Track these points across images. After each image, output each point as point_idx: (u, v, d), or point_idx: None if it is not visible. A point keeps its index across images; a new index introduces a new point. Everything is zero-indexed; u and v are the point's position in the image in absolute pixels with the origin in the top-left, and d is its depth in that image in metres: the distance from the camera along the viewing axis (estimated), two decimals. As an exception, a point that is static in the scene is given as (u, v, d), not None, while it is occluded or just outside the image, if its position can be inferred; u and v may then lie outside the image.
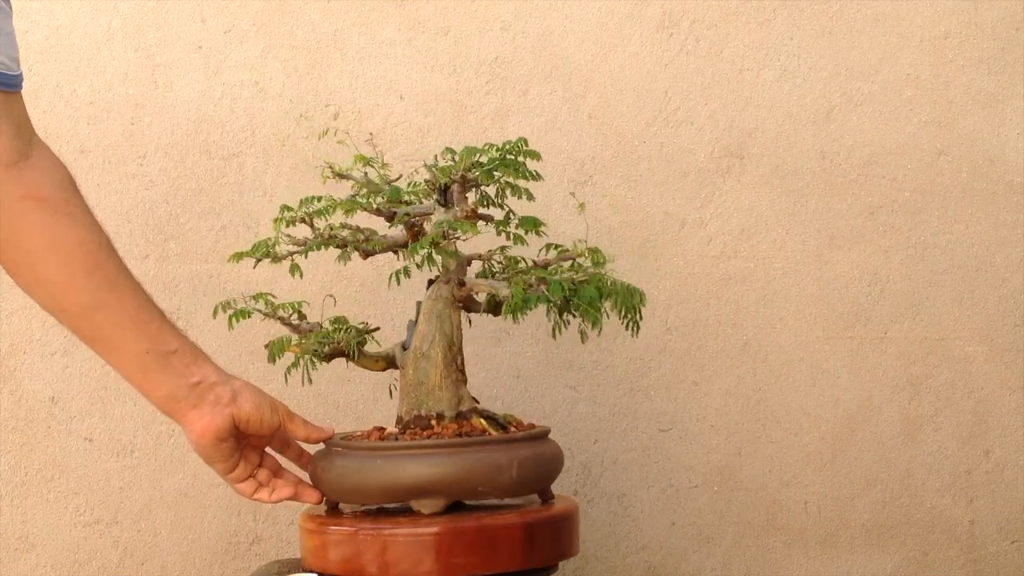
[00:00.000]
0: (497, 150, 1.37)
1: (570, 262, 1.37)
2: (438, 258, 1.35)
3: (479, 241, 1.39)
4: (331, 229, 1.39)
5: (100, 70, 1.67)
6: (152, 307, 1.28)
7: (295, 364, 1.36)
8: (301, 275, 1.38)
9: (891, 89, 1.81)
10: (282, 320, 1.39)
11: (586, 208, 1.74)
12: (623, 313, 1.33)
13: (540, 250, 1.40)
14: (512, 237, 1.36)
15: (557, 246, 1.40)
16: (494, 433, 1.32)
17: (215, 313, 1.37)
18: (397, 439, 1.31)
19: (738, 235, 1.78)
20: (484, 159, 1.36)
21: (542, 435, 1.35)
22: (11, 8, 1.21)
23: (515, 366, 1.73)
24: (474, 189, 1.38)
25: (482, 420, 1.34)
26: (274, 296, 1.39)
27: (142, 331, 1.26)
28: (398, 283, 1.34)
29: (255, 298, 1.38)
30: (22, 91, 1.22)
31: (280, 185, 1.70)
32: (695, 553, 1.77)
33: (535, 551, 1.27)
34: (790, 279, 1.79)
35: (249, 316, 1.37)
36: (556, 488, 1.72)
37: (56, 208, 1.23)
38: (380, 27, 1.72)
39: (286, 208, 1.39)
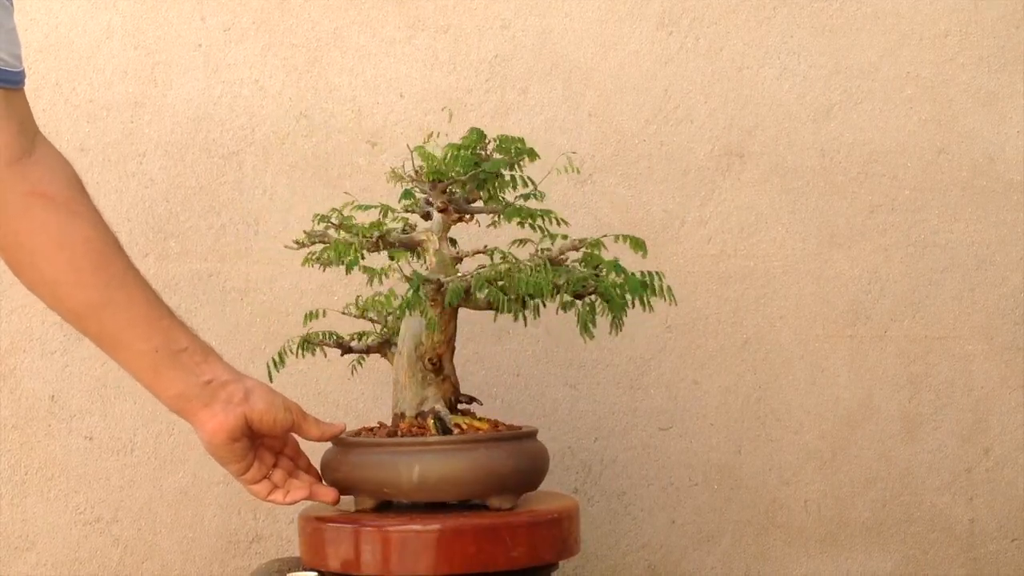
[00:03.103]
0: (496, 147, 1.37)
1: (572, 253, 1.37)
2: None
3: (469, 238, 1.40)
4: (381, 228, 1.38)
5: (100, 68, 1.67)
6: (161, 305, 1.26)
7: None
8: (382, 281, 1.38)
9: (891, 87, 1.81)
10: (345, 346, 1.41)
11: (585, 207, 1.74)
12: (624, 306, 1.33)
13: (539, 244, 1.39)
14: (540, 230, 1.35)
15: (564, 236, 1.38)
16: (434, 434, 1.31)
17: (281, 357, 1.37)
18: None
19: (738, 233, 1.78)
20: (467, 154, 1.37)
21: (489, 439, 1.31)
22: (12, 4, 1.20)
23: (515, 364, 1.73)
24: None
25: (430, 421, 1.33)
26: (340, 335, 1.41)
27: (151, 329, 1.24)
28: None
29: (325, 335, 1.40)
30: (24, 88, 1.22)
31: (280, 183, 1.70)
32: (695, 551, 1.77)
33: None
34: (790, 277, 1.79)
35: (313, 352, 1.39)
36: (556, 486, 1.73)
37: (61, 205, 1.22)
38: (380, 25, 1.72)
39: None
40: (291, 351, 1.38)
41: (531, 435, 1.34)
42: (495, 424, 1.35)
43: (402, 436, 1.31)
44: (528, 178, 1.38)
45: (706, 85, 1.77)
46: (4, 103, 1.18)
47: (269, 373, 1.36)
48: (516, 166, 1.38)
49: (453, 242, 1.39)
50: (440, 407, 1.34)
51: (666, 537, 1.77)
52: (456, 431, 1.32)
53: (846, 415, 1.80)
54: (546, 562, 1.29)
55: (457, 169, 1.34)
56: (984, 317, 1.82)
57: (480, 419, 1.34)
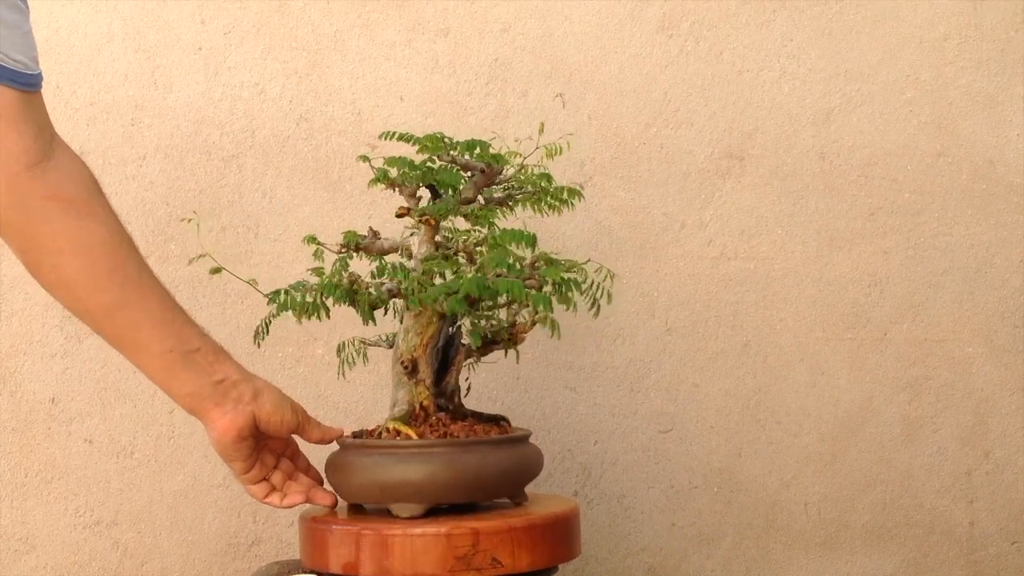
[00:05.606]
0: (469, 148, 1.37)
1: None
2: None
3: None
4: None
5: (100, 71, 1.67)
6: (174, 305, 1.28)
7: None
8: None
9: (891, 90, 1.81)
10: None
11: (585, 210, 1.74)
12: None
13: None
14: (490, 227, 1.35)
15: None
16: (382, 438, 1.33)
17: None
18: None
19: (738, 236, 1.78)
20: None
21: (429, 445, 1.29)
22: (28, 8, 1.20)
23: (515, 367, 1.73)
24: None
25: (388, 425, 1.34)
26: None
27: (166, 330, 1.26)
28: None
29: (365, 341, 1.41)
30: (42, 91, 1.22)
31: (280, 186, 1.70)
32: (695, 554, 1.77)
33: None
34: (790, 280, 1.79)
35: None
36: (556, 489, 1.73)
37: (79, 209, 1.22)
38: (380, 28, 1.72)
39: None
40: (354, 355, 1.41)
41: (452, 444, 1.29)
42: (441, 433, 1.32)
43: (364, 439, 1.34)
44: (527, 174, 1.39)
45: (706, 88, 1.78)
46: (23, 106, 1.18)
47: (342, 370, 1.39)
48: (485, 169, 1.38)
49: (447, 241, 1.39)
50: (398, 411, 1.33)
51: (666, 540, 1.77)
52: (385, 436, 1.32)
53: (846, 418, 1.80)
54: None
55: (412, 175, 1.35)
56: (984, 320, 1.82)
57: (413, 427, 1.31)
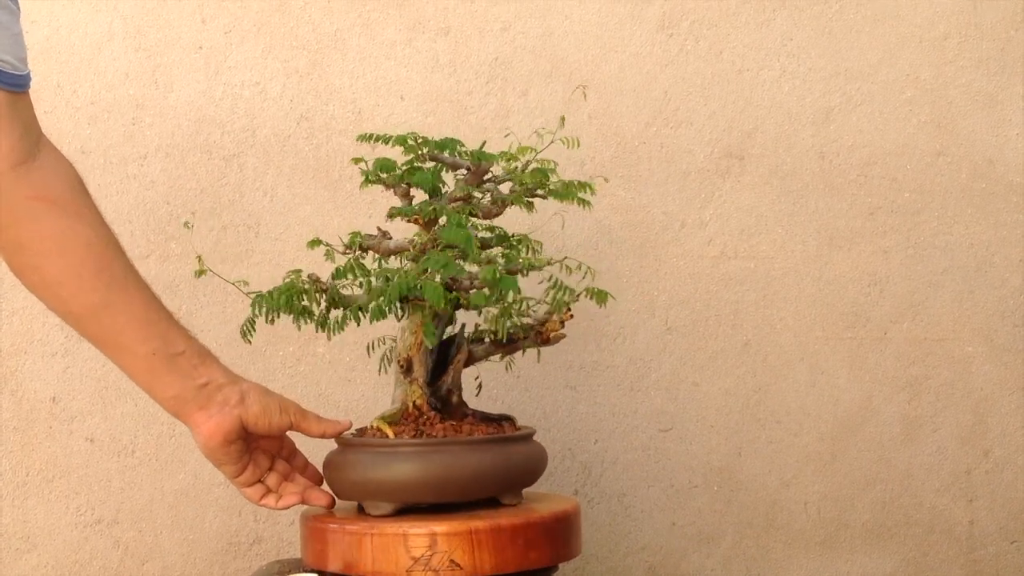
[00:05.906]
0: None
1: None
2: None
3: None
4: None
5: (101, 70, 1.67)
6: (159, 307, 1.27)
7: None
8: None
9: (891, 89, 1.81)
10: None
11: (586, 209, 1.74)
12: None
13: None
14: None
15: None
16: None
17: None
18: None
19: (738, 235, 1.78)
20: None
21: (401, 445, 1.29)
22: (19, 8, 1.21)
23: (515, 366, 1.73)
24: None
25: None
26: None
27: (150, 332, 1.25)
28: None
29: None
30: (29, 92, 1.22)
31: (281, 185, 1.70)
32: (695, 553, 1.77)
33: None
34: (790, 279, 1.79)
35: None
36: (556, 488, 1.73)
37: (64, 209, 1.22)
38: (380, 27, 1.72)
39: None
40: (388, 357, 1.40)
41: (427, 444, 1.29)
42: (417, 432, 1.31)
43: (348, 438, 1.33)
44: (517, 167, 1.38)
45: (706, 87, 1.78)
46: (9, 106, 1.19)
47: (382, 368, 1.39)
48: (471, 167, 1.38)
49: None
50: (388, 410, 1.33)
51: (666, 539, 1.77)
52: (369, 434, 1.32)
53: (846, 417, 1.80)
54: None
55: (394, 176, 1.35)
56: (984, 319, 1.83)
57: (391, 426, 1.31)
